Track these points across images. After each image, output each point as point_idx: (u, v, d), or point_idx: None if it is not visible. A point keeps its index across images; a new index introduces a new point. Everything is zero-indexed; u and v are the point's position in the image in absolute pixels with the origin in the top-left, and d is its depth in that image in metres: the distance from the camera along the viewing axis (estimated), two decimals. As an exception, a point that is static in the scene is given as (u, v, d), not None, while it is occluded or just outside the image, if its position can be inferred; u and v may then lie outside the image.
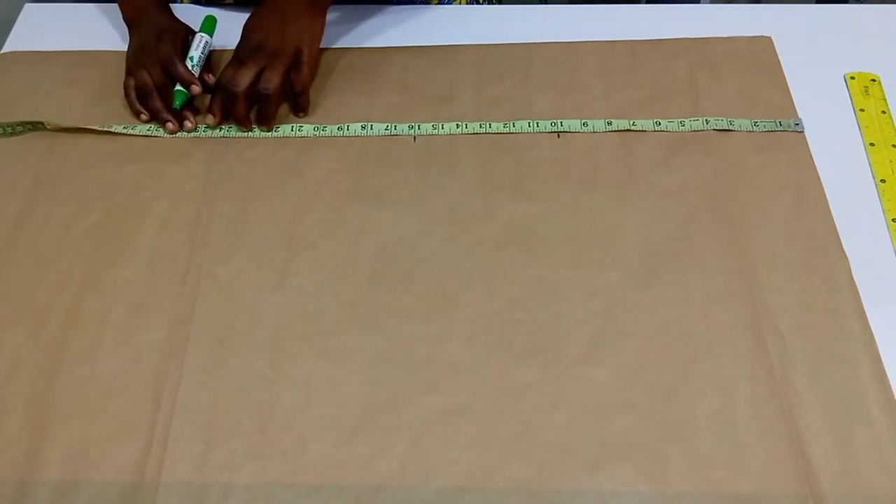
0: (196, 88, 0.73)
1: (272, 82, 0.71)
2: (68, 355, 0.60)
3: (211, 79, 0.75)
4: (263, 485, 0.54)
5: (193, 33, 0.77)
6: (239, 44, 0.73)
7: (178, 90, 0.73)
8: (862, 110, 0.74)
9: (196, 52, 0.75)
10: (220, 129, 0.74)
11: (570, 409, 0.57)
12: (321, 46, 0.77)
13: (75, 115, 0.75)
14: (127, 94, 0.75)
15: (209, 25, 0.78)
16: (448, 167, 0.71)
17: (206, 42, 0.76)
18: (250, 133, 0.74)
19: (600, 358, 0.59)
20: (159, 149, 0.73)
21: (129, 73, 0.75)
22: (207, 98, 0.74)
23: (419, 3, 0.86)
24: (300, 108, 0.75)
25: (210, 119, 0.73)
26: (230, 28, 0.76)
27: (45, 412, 0.57)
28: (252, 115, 0.74)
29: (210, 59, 0.77)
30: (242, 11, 0.82)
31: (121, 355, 0.60)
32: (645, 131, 0.73)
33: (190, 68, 0.74)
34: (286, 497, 0.54)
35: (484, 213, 0.68)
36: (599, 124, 0.73)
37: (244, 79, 0.71)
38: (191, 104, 0.74)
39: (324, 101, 0.76)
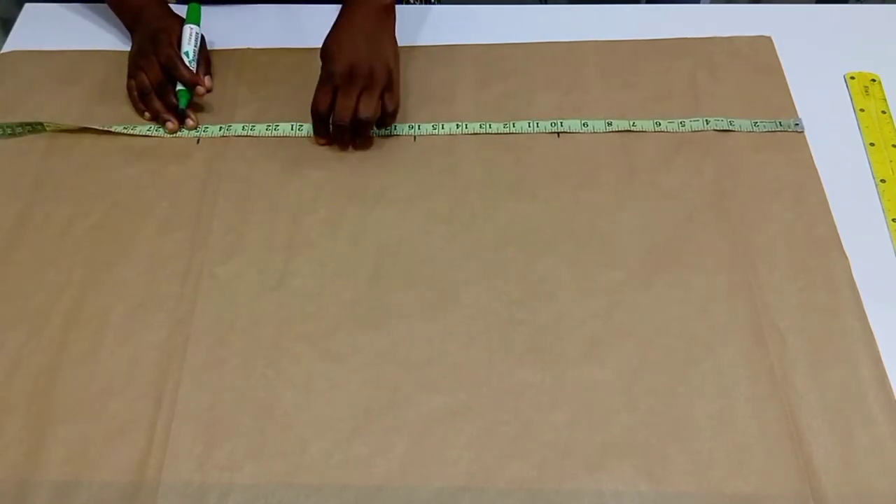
0: (202, 90, 0.73)
1: (372, 108, 0.69)
2: (68, 355, 0.60)
3: (209, 81, 0.75)
4: (263, 485, 0.54)
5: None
6: (329, 67, 0.70)
7: (181, 90, 0.73)
8: (862, 110, 0.74)
9: (189, 47, 0.75)
10: (220, 128, 0.74)
11: (570, 409, 0.57)
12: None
13: (75, 116, 0.75)
14: (130, 96, 0.76)
15: (195, 14, 0.78)
16: (448, 167, 0.71)
17: (197, 33, 0.76)
18: (250, 133, 0.74)
19: (600, 358, 0.59)
20: (159, 149, 0.73)
21: (130, 75, 0.76)
22: (206, 96, 0.74)
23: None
24: (385, 124, 0.73)
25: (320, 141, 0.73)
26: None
27: (45, 412, 0.57)
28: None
29: (203, 45, 0.77)
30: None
31: (121, 355, 0.60)
32: (645, 132, 0.73)
33: (188, 64, 0.74)
34: (286, 497, 0.54)
35: (484, 213, 0.68)
36: (599, 124, 0.73)
37: (349, 111, 0.69)
38: (192, 102, 0.74)
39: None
